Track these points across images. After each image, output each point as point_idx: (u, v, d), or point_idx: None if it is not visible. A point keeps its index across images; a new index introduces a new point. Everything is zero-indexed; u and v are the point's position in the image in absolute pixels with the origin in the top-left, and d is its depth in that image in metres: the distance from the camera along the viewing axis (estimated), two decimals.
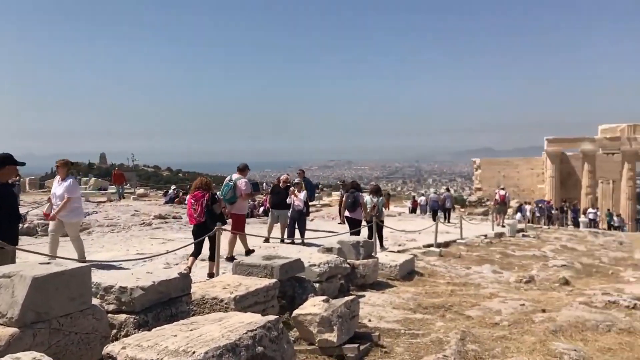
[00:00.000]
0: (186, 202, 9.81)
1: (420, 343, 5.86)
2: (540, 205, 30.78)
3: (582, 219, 31.94)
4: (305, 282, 6.94)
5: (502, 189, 26.08)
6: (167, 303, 5.14)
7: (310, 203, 19.95)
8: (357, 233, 12.30)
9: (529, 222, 27.41)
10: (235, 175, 10.81)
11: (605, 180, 50.95)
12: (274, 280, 6.29)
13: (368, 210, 12.93)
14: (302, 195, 13.09)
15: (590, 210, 35.09)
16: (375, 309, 7.30)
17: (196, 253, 8.98)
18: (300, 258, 7.31)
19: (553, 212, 35.42)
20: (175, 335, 3.69)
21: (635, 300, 8.48)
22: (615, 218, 36.96)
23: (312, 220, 20.13)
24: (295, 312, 5.57)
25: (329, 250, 8.78)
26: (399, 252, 12.20)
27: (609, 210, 40.78)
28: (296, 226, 13.08)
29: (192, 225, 9.15)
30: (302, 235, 13.05)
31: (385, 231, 13.77)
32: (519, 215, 33.31)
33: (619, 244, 20.03)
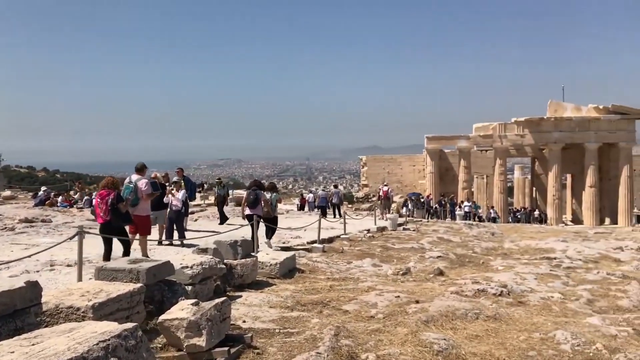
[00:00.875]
0: (88, 203, 9.62)
1: (294, 342, 5.75)
2: (412, 197, 31.96)
3: (458, 211, 33.74)
4: (175, 286, 6.60)
5: (386, 185, 26.94)
6: (10, 316, 4.63)
7: (192, 203, 19.35)
8: (272, 230, 12.68)
9: (410, 216, 28.47)
10: (134, 176, 10.40)
11: (480, 175, 54.38)
12: (139, 284, 5.92)
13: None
14: (181, 194, 12.63)
15: (465, 203, 37.15)
16: (252, 309, 7.10)
17: (107, 255, 8.99)
18: (171, 260, 6.96)
19: (437, 206, 37.13)
20: (12, 352, 3.31)
21: (501, 287, 8.96)
22: (478, 210, 39.47)
23: (196, 220, 19.57)
24: (162, 317, 5.26)
25: (204, 251, 8.47)
26: (282, 249, 12.10)
27: (473, 202, 43.39)
28: (175, 227, 12.59)
29: (100, 225, 9.14)
30: (181, 236, 12.58)
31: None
32: (404, 209, 34.62)
33: (491, 234, 21.27)
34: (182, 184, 13.52)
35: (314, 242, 14.03)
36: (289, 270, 9.62)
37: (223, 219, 18.09)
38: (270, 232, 13.15)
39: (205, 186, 25.06)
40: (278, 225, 14.33)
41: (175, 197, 12.38)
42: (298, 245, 13.89)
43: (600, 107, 44.94)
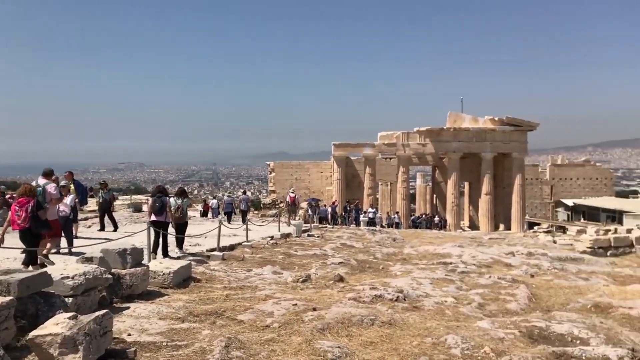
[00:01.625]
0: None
1: (182, 355, 5.44)
2: (312, 203, 31.93)
3: (362, 217, 34.31)
4: (53, 298, 6.07)
5: (293, 191, 26.91)
6: None
7: (87, 208, 18.26)
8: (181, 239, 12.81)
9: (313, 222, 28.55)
10: (42, 180, 10.43)
11: (384, 182, 55.79)
12: (9, 298, 5.36)
13: (172, 212, 12.81)
14: (69, 199, 11.84)
15: (369, 209, 37.87)
16: (139, 321, 6.68)
17: (27, 261, 9.09)
18: (53, 270, 6.41)
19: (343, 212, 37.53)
20: None
21: (398, 293, 9.04)
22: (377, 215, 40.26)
23: (89, 227, 18.53)
24: (33, 333, 4.79)
25: (89, 260, 7.91)
26: (178, 257, 11.63)
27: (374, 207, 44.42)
28: (63, 234, 11.76)
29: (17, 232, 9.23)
30: (69, 243, 11.80)
31: (169, 237, 13.14)
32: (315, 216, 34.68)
33: (392, 240, 21.73)
34: (71, 188, 12.69)
35: (213, 249, 13.62)
36: (183, 280, 9.21)
37: (112, 226, 17.17)
38: (180, 241, 13.11)
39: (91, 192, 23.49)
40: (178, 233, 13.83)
41: (62, 203, 11.57)
42: (197, 253, 13.44)
43: (496, 118, 47.47)
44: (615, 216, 49.68)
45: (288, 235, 19.86)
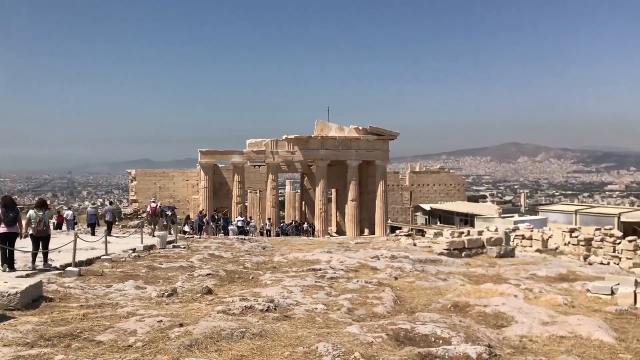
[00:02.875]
0: None
1: None
2: (166, 211, 30.40)
3: (231, 226, 33.82)
4: None
5: (154, 201, 25.84)
6: None
7: None
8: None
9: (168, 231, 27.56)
10: None
11: (253, 190, 55.53)
12: None
13: (33, 225, 12.36)
14: None
15: (238, 218, 37.44)
16: None
17: None
18: None
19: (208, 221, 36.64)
20: None
21: (268, 303, 8.89)
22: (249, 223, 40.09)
23: None
24: None
25: None
26: (27, 275, 10.57)
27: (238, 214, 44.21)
28: None
29: None
30: None
31: (16, 253, 11.99)
32: (187, 227, 33.49)
33: (262, 248, 21.58)
34: None
35: (68, 265, 12.58)
36: (33, 300, 8.35)
37: None
38: (45, 255, 12.66)
39: None
40: (26, 249, 12.63)
41: None
42: (50, 268, 12.34)
43: (360, 128, 49.27)
44: (468, 219, 53.64)
45: (152, 247, 18.96)
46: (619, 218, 42.08)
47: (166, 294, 9.85)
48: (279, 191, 51.36)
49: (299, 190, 58.20)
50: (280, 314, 8.44)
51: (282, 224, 46.44)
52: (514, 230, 32.67)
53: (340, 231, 51.73)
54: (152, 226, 24.47)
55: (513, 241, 29.78)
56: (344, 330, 7.20)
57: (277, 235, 39.90)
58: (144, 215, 37.14)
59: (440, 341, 6.88)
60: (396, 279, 13.23)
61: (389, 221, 53.36)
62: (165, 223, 27.29)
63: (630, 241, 27.24)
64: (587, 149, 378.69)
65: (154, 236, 21.74)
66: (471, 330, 7.48)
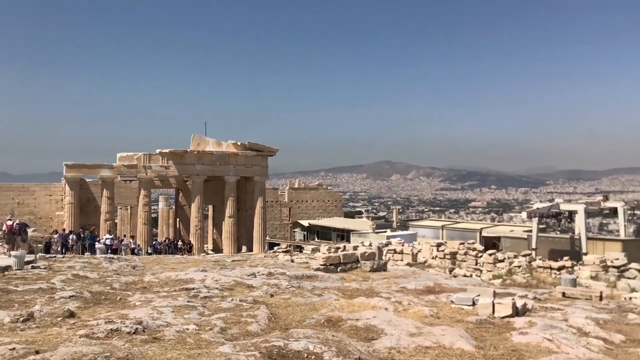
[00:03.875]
0: None
1: None
2: (14, 229, 25.84)
3: (98, 245, 31.99)
4: None
5: (10, 218, 23.81)
6: None
7: None
8: None
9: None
10: None
11: (124, 206, 53.04)
12: None
13: None
14: None
15: (107, 236, 35.53)
16: None
17: None
18: None
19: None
20: None
21: (136, 325, 8.44)
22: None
23: None
24: None
25: None
26: None
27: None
28: None
29: None
30: None
31: None
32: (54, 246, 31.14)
33: (132, 268, 20.55)
34: None
35: None
36: None
37: None
38: None
39: None
40: None
41: None
42: None
43: (239, 143, 49.00)
44: (344, 234, 55.03)
45: (7, 268, 17.35)
46: (480, 233, 45.32)
47: (21, 319, 9.01)
48: (152, 207, 49.51)
49: (174, 207, 56.48)
50: (149, 336, 8.05)
51: (154, 242, 44.72)
52: (386, 245, 33.96)
53: (217, 249, 50.86)
54: (9, 245, 22.47)
55: (386, 255, 30.93)
56: (215, 350, 7.00)
57: (149, 254, 38.34)
58: None
59: (313, 357, 6.89)
60: (272, 296, 13.17)
61: (268, 238, 53.35)
62: (23, 241, 24.96)
63: (490, 254, 29.39)
64: (453, 168, 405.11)
65: (9, 256, 19.94)
66: (343, 345, 7.58)
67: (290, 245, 46.10)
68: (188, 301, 11.55)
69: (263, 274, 17.40)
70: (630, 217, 48.93)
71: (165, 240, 47.03)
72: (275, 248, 37.61)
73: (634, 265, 28.57)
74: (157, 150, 46.52)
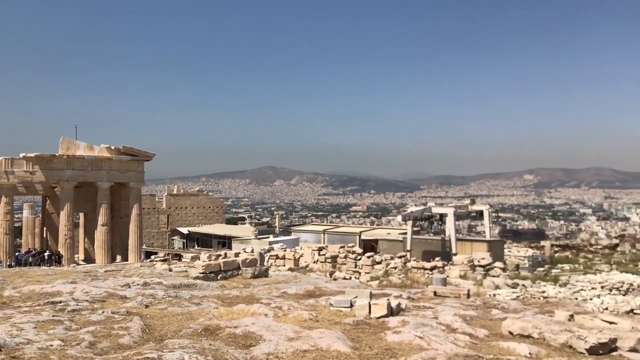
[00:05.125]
0: None
1: None
2: None
3: None
4: None
5: None
6: None
7: None
8: None
9: None
10: None
11: None
12: None
13: None
14: None
15: None
16: None
17: None
18: None
19: None
20: None
21: None
22: None
23: None
24: None
25: None
26: None
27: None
28: None
29: None
30: None
31: None
32: None
33: None
34: None
35: None
36: None
37: None
38: None
39: None
40: None
41: None
42: None
43: (112, 147, 46.72)
44: (226, 241, 54.32)
45: None
46: (360, 236, 46.72)
47: None
48: (16, 216, 45.79)
49: (40, 215, 52.63)
50: (7, 355, 7.38)
51: (17, 254, 41.36)
52: (269, 250, 33.98)
53: (90, 259, 48.08)
54: None
55: (268, 261, 30.92)
56: None
57: (11, 266, 35.40)
58: None
59: None
60: (147, 306, 12.61)
61: (145, 246, 51.32)
62: None
63: (368, 257, 30.36)
64: (335, 174, 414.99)
65: None
66: (220, 353, 7.41)
67: (168, 253, 44.67)
68: (53, 315, 10.75)
69: (138, 284, 16.64)
70: (495, 219, 52.84)
71: (30, 251, 43.69)
72: (153, 257, 36.29)
73: (497, 264, 30.87)
74: (21, 155, 43.12)
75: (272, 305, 12.19)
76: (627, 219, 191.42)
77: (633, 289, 21.75)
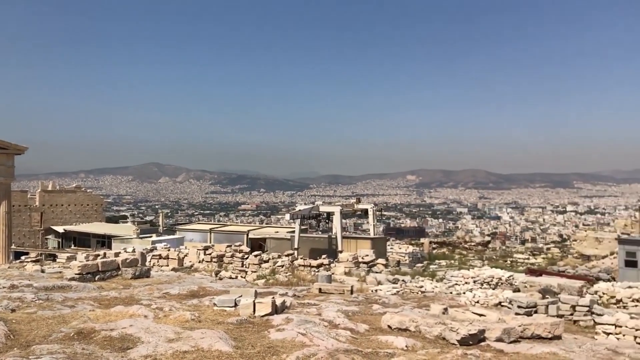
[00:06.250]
0: None
1: None
2: None
3: None
4: None
5: None
6: None
7: None
8: None
9: None
10: None
11: None
12: None
13: None
14: None
15: None
16: None
17: None
18: None
19: None
20: None
21: None
22: None
23: None
24: None
25: None
26: None
27: None
28: None
29: None
30: None
31: None
32: None
33: None
34: None
35: None
36: None
37: None
38: None
39: None
40: None
41: None
42: None
43: None
44: (105, 241, 51.78)
45: None
46: (247, 235, 46.49)
47: None
48: None
49: None
50: None
51: None
52: (151, 250, 32.83)
53: None
54: None
55: (150, 261, 29.88)
56: None
57: None
58: None
59: None
60: (13, 311, 11.69)
61: (14, 246, 47.65)
62: None
63: (255, 256, 30.26)
64: (224, 172, 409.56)
65: None
66: (93, 357, 7.04)
67: (41, 254, 41.78)
68: None
69: (5, 287, 15.41)
70: (379, 218, 54.76)
71: None
72: (23, 257, 33.74)
73: (380, 260, 32.01)
74: None
75: (152, 307, 11.78)
76: (498, 218, 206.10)
77: (502, 283, 23.43)
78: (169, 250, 32.63)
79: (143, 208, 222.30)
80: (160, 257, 31.42)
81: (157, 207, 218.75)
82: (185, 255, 32.26)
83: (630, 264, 28.49)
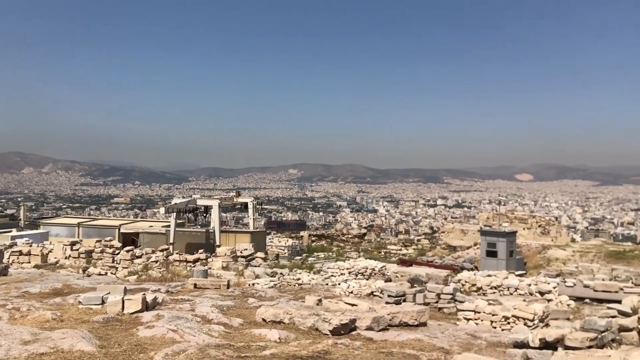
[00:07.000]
0: None
1: None
2: None
3: None
4: None
5: None
6: None
7: None
8: None
9: None
10: None
11: None
12: None
13: None
14: None
15: None
16: None
17: None
18: None
19: None
20: None
21: None
22: None
23: None
24: None
25: None
26: None
27: None
28: None
29: None
30: None
31: None
32: None
33: None
34: None
35: None
36: None
37: None
38: None
39: None
40: None
41: None
42: None
43: None
44: None
45: None
46: (119, 229, 44.35)
47: None
48: None
49: None
50: None
51: None
52: (10, 246, 30.30)
53: None
54: None
55: (9, 258, 27.64)
56: None
57: None
58: None
59: None
60: None
61: None
62: None
63: (127, 251, 28.95)
64: (96, 163, 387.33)
65: None
66: None
67: None
68: None
69: None
70: (260, 211, 54.68)
71: None
72: None
73: (259, 254, 31.96)
74: None
75: (8, 307, 10.88)
76: (375, 211, 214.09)
77: (375, 274, 24.32)
78: (31, 246, 30.30)
79: (3, 201, 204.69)
80: (20, 253, 29.08)
81: (19, 199, 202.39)
82: (50, 251, 30.15)
83: (490, 254, 30.71)
